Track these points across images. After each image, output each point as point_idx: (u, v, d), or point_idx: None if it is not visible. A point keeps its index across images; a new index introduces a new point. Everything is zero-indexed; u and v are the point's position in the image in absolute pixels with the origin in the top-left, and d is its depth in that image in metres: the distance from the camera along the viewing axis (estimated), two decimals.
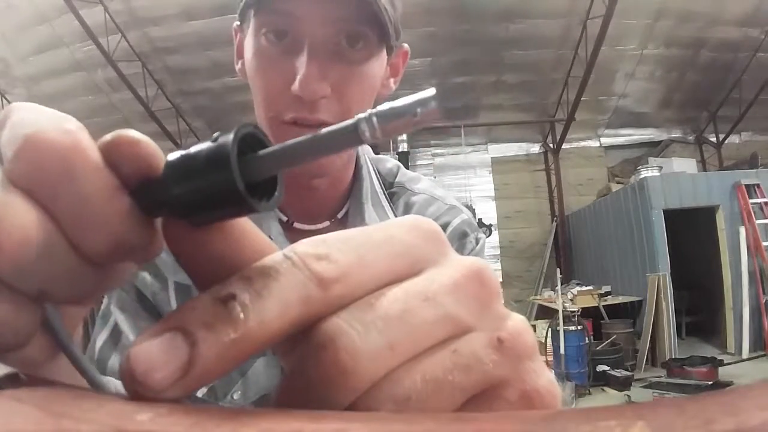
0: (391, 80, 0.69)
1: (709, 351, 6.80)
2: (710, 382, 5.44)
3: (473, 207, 9.09)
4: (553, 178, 10.51)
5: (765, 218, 7.03)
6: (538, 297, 8.83)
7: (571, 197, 10.31)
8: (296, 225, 0.70)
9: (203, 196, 0.20)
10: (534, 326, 7.33)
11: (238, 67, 0.68)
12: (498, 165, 10.78)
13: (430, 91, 0.19)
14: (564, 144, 10.18)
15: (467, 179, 10.47)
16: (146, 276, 0.64)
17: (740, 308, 6.80)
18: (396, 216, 0.72)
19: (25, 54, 8.92)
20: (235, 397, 0.62)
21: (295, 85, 0.56)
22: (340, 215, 0.71)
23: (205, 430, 0.16)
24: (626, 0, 7.00)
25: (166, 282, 0.64)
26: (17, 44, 8.70)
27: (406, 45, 0.68)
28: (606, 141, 10.83)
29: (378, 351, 0.18)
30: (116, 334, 0.63)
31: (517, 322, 0.21)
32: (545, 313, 7.90)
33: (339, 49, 0.58)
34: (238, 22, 0.66)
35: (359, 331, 0.18)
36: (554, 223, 10.38)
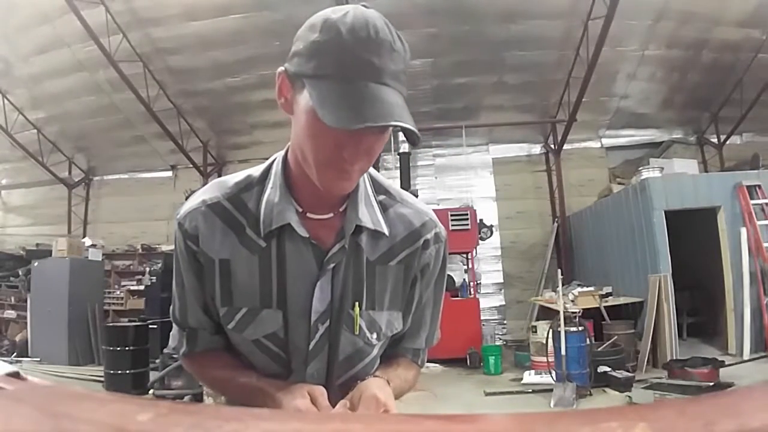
0: None
1: (710, 352, 6.79)
2: (711, 384, 5.43)
3: (474, 207, 9.07)
4: (554, 178, 10.50)
5: (766, 219, 7.02)
6: (540, 298, 8.82)
7: (573, 198, 10.30)
8: (309, 215, 0.94)
9: None
10: (535, 327, 7.33)
11: (281, 102, 0.87)
12: (499, 166, 10.77)
13: None
14: (565, 145, 10.17)
15: (468, 180, 10.45)
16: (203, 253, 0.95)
17: (741, 309, 6.79)
18: (384, 216, 0.98)
19: (26, 54, 8.92)
20: None
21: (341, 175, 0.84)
22: (341, 209, 0.95)
23: (206, 430, 0.16)
24: (627, 1, 7.00)
25: (213, 261, 0.95)
26: (19, 44, 8.70)
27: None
28: (607, 142, 10.82)
29: None
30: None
31: None
32: (546, 313, 7.89)
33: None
34: (285, 71, 0.84)
35: None
36: (555, 224, 10.37)
